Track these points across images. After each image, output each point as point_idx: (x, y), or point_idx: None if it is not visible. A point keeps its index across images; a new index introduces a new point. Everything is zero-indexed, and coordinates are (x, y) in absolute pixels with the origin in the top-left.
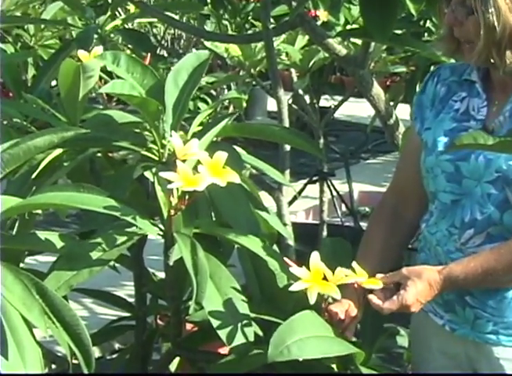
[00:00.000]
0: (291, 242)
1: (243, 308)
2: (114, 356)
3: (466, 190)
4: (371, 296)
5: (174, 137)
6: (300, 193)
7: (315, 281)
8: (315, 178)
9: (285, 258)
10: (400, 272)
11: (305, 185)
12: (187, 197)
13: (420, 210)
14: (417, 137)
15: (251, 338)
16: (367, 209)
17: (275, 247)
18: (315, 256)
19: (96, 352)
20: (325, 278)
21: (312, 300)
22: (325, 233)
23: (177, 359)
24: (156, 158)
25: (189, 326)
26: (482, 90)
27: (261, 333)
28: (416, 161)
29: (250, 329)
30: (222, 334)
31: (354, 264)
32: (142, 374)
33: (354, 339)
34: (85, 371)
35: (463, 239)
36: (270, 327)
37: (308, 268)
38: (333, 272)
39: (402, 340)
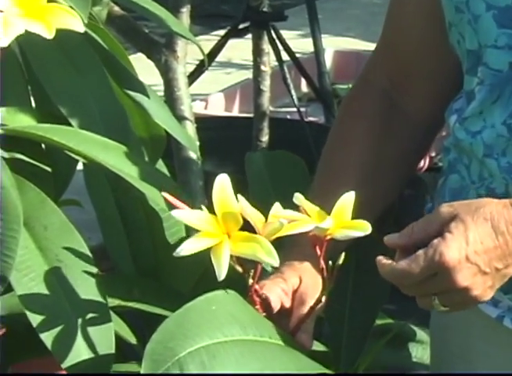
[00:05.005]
0: (195, 155)
1: (90, 288)
2: None
3: None
4: (380, 257)
5: None
6: (213, 55)
7: (225, 234)
8: (243, 26)
9: (164, 193)
10: (437, 211)
11: (224, 38)
12: None
13: (438, 97)
14: None
15: (111, 349)
16: (350, 86)
17: (161, 164)
18: (221, 181)
19: None
20: (248, 228)
21: (222, 272)
22: (266, 136)
23: None
24: None
25: None
26: None
27: (133, 339)
28: None
29: (109, 329)
30: (49, 341)
31: (297, 196)
32: None
33: (316, 347)
34: None
35: None
36: (152, 324)
37: (212, 210)
38: (266, 217)
39: (421, 351)
